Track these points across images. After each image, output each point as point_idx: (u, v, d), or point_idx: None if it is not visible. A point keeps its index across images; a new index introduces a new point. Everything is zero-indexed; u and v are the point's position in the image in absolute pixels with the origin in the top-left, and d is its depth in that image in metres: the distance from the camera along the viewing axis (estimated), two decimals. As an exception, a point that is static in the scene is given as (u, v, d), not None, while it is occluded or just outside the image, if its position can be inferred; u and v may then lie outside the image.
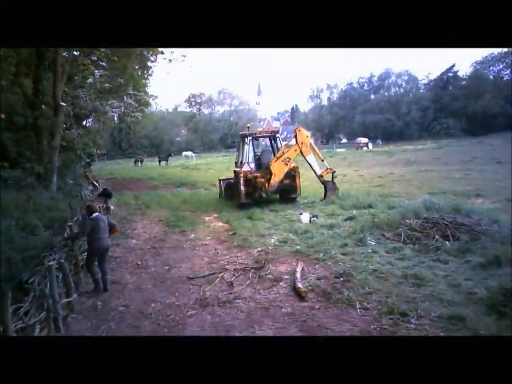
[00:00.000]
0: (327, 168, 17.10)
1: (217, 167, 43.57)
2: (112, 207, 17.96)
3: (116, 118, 53.68)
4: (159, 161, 52.40)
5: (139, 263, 10.14)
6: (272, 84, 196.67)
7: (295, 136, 16.66)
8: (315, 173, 17.02)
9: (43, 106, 17.10)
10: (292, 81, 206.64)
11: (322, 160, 17.36)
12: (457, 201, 12.23)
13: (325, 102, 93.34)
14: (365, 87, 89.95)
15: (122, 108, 28.02)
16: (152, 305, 7.37)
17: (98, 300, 7.74)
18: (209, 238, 12.45)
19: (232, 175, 19.31)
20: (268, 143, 20.11)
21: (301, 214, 13.56)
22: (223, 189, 19.88)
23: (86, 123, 27.60)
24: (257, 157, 17.79)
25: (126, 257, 10.79)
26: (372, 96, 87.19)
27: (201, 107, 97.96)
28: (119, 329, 6.43)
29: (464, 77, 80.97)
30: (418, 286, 7.06)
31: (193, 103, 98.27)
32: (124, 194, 23.02)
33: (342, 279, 7.66)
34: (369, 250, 9.19)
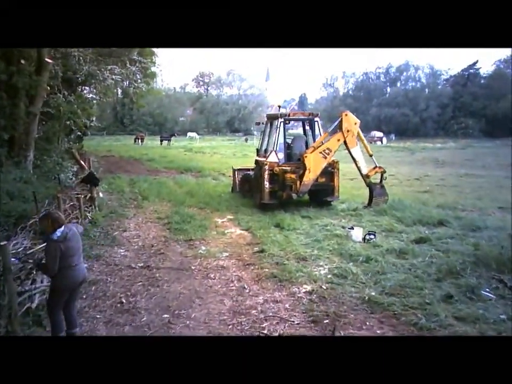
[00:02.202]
0: (376, 166, 13.44)
1: (223, 151, 39.93)
2: (101, 195, 14.46)
3: (119, 90, 50.16)
4: (161, 141, 48.67)
5: (124, 301, 6.54)
6: (282, 69, 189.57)
7: (340, 122, 12.97)
8: (360, 171, 13.38)
9: (22, 61, 13.34)
10: (303, 68, 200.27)
11: (371, 156, 13.67)
12: None
13: (339, 91, 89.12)
14: (381, 78, 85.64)
15: (125, 78, 24.15)
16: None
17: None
18: (227, 254, 8.90)
19: (244, 163, 15.71)
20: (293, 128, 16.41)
21: (352, 228, 9.95)
22: (237, 182, 16.27)
23: (82, 91, 23.69)
24: (286, 145, 14.10)
25: (105, 285, 7.20)
26: (388, 89, 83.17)
27: (209, 87, 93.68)
28: None
29: (484, 75, 77.01)
30: None
31: (201, 83, 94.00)
32: (118, 178, 19.48)
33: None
34: (503, 316, 5.57)
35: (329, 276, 7.37)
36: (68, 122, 16.99)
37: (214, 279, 7.49)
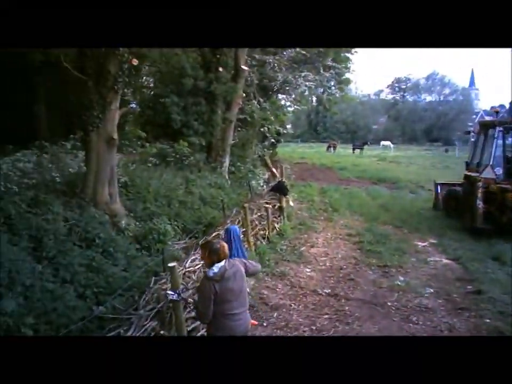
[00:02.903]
0: None
1: (420, 162, 36.56)
2: (291, 203, 13.98)
3: (313, 98, 50.77)
4: (353, 149, 47.56)
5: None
6: (488, 72, 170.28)
7: None
8: None
9: (220, 69, 13.63)
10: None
11: None
12: None
13: None
14: None
15: (319, 85, 23.65)
16: None
17: None
18: (431, 291, 7.29)
19: (446, 176, 13.50)
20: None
21: None
22: (440, 198, 14.16)
23: (276, 98, 23.97)
24: (506, 158, 11.58)
25: (288, 312, 6.32)
26: None
27: (405, 94, 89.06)
28: None
29: None
30: None
31: (396, 89, 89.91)
32: (309, 186, 18.88)
33: None
34: None
35: None
36: (262, 129, 17.05)
37: (416, 324, 6.01)
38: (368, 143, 52.65)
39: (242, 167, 14.39)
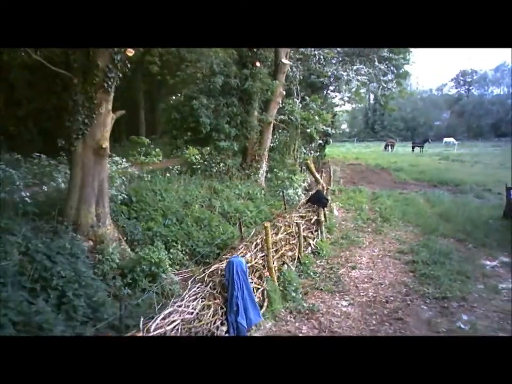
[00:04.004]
0: None
1: (487, 160, 33.18)
2: (336, 213, 12.43)
3: (371, 96, 48.34)
4: (413, 148, 44.61)
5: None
6: None
7: None
8: None
9: (257, 64, 12.21)
10: None
11: None
12: None
13: None
14: None
15: (373, 79, 21.63)
16: None
17: None
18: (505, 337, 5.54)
19: None
20: None
21: None
22: (513, 205, 12.06)
23: (326, 96, 22.23)
24: None
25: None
26: None
27: (471, 87, 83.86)
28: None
29: None
30: None
31: (461, 83, 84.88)
32: (359, 191, 17.07)
33: None
34: None
35: None
36: (309, 130, 15.46)
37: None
38: (430, 140, 49.25)
39: (279, 174, 12.90)
